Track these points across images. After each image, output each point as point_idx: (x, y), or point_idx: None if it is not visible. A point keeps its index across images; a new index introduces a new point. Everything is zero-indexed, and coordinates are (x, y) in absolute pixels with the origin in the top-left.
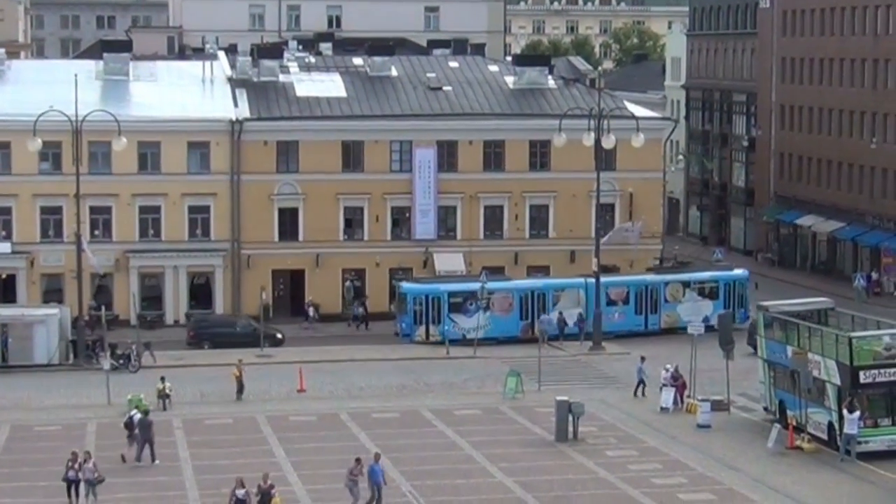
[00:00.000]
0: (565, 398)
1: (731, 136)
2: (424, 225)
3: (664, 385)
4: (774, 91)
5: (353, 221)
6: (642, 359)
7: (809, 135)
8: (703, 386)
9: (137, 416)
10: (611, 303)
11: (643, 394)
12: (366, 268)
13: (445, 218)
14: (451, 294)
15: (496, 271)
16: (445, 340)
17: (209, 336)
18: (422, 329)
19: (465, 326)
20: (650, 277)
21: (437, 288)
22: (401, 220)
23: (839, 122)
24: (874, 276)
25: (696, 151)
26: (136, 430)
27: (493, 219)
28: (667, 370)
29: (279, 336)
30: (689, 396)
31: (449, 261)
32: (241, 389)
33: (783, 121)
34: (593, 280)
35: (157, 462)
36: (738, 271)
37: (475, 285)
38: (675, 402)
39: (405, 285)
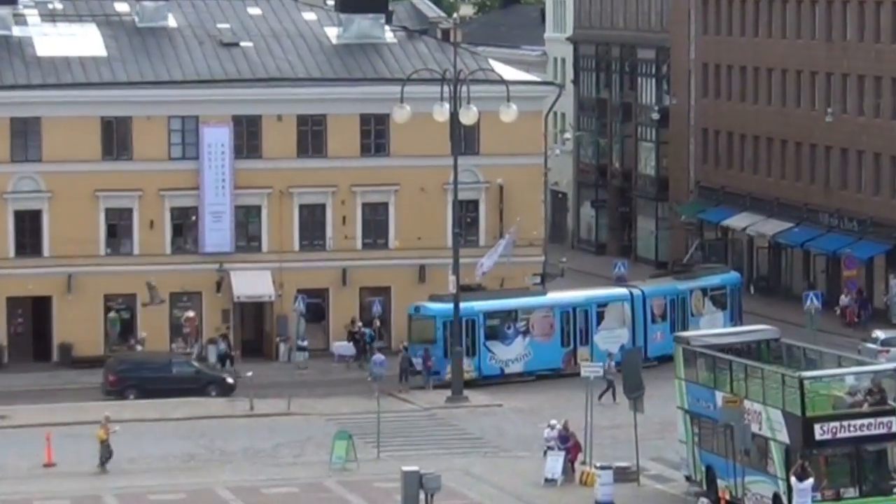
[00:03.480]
0: (415, 468)
1: (637, 107)
2: (217, 233)
3: (549, 448)
4: (694, 45)
5: (118, 229)
6: (609, 355)
7: (742, 104)
8: (602, 448)
9: None
10: (654, 319)
11: (614, 398)
12: (136, 293)
13: (246, 223)
14: (488, 315)
15: (315, 296)
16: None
17: (136, 382)
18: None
19: (503, 358)
20: (681, 285)
21: (471, 308)
22: (185, 227)
23: (782, 86)
24: (845, 297)
25: (589, 128)
26: None
27: (312, 223)
28: (552, 427)
29: (230, 381)
30: (583, 463)
31: (251, 282)
32: (108, 456)
33: (706, 85)
34: (640, 291)
35: None
36: (732, 273)
37: (514, 302)
38: (564, 472)
39: (429, 307)
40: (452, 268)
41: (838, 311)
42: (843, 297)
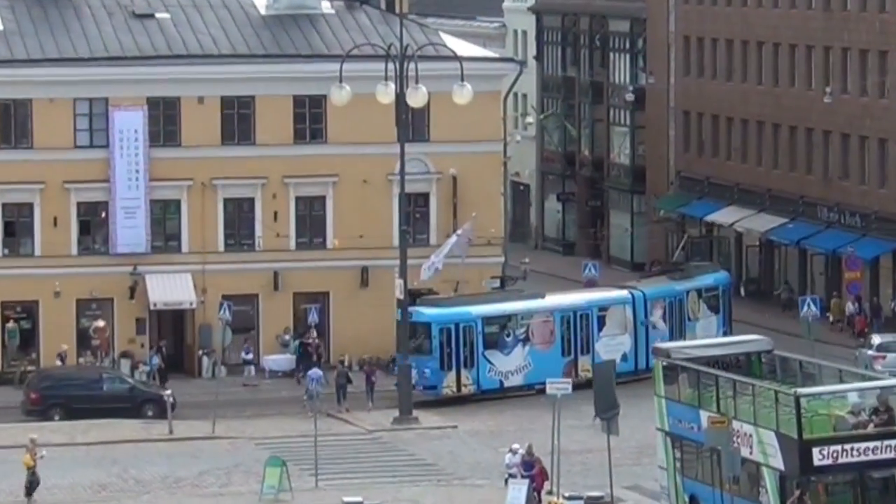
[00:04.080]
0: (357, 499)
1: (609, 87)
2: (130, 231)
3: (511, 476)
4: (673, 16)
5: (16, 227)
6: None
7: (728, 83)
8: (572, 476)
9: None
10: (654, 324)
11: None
12: (39, 299)
13: (163, 219)
14: (487, 320)
15: (245, 301)
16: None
17: (62, 400)
18: (451, 376)
19: (503, 369)
20: (678, 286)
21: (468, 313)
22: (93, 224)
23: (774, 62)
24: (852, 304)
25: (555, 111)
26: None
27: (239, 220)
28: (514, 452)
29: (169, 399)
30: (549, 492)
31: (169, 287)
32: (33, 485)
33: (688, 62)
34: (640, 293)
35: None
36: (722, 273)
37: (513, 306)
38: (528, 502)
39: (422, 311)
40: (399, 270)
41: (831, 319)
42: (849, 304)
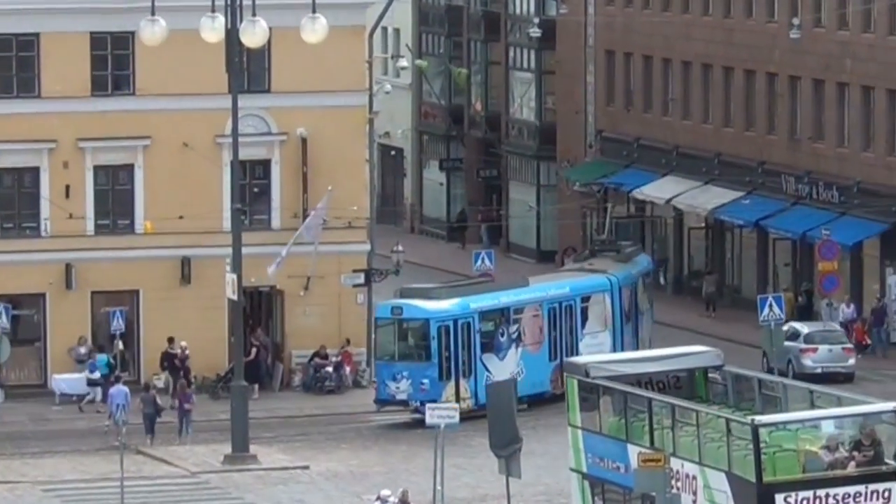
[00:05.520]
0: None
1: (508, 19)
2: None
3: None
4: None
5: None
6: None
7: (665, 14)
8: None
9: None
10: (625, 318)
11: None
12: None
13: None
14: (483, 315)
15: (27, 303)
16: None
17: None
18: (450, 388)
19: (499, 377)
20: (633, 269)
21: (466, 306)
22: None
23: None
24: (847, 307)
25: (437, 52)
26: None
27: (20, 196)
28: (383, 500)
29: None
30: None
31: None
32: None
33: None
34: (615, 278)
35: None
36: (644, 255)
37: (507, 298)
38: None
39: (416, 306)
40: (232, 262)
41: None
42: (843, 306)
